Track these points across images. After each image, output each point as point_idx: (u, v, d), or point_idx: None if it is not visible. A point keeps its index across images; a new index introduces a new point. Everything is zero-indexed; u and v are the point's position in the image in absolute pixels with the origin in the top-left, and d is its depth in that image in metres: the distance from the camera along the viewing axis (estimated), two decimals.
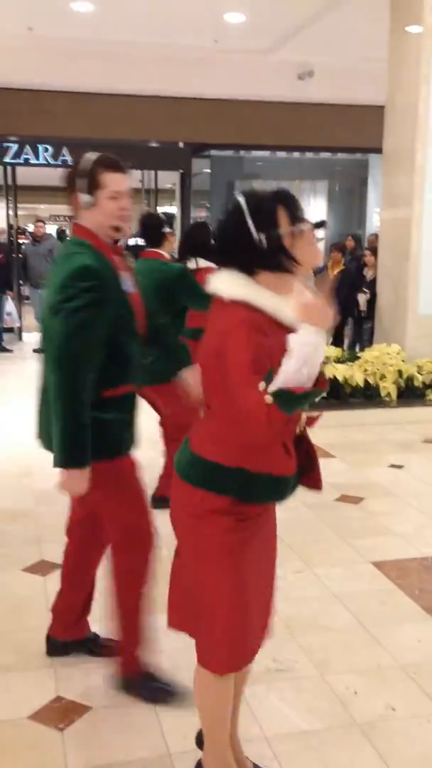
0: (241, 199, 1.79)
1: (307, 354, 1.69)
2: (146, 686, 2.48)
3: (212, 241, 3.31)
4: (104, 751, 2.26)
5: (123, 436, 2.39)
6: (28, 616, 3.07)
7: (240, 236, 1.78)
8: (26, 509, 4.29)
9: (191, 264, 4.35)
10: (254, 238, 1.76)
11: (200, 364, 1.91)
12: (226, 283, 1.81)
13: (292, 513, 4.16)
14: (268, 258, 1.77)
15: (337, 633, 2.96)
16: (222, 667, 1.93)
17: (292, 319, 1.77)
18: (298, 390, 1.67)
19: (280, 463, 1.85)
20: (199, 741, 2.14)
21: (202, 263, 4.31)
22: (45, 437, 2.39)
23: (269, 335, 1.74)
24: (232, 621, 1.89)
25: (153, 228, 4.09)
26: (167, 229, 4.05)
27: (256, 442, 1.78)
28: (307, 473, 1.95)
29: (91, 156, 2.30)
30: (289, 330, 1.75)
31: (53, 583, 3.35)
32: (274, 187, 1.87)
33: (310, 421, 1.93)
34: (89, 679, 2.64)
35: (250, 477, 1.82)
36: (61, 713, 2.43)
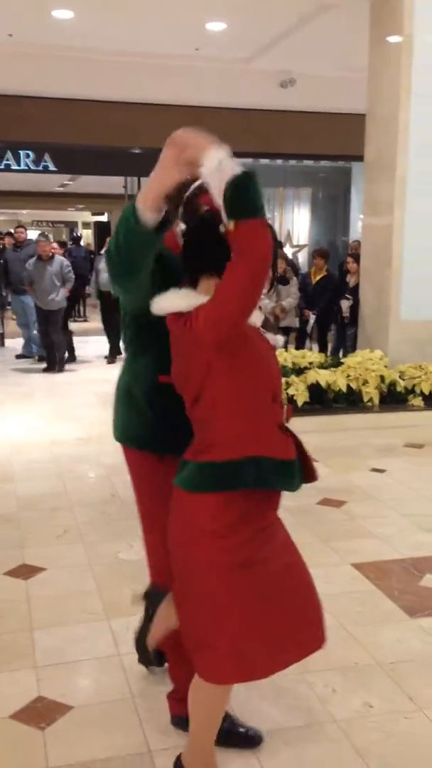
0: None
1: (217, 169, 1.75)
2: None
3: None
4: (85, 748, 2.28)
5: None
6: (10, 619, 3.08)
7: (217, 239, 1.83)
8: (8, 514, 4.30)
9: None
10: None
11: (183, 378, 1.94)
12: (183, 299, 1.88)
13: None
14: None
15: None
16: (229, 676, 1.97)
17: (254, 321, 1.90)
18: None
19: (281, 445, 1.93)
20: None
21: None
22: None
23: None
24: (251, 626, 1.92)
25: None
26: None
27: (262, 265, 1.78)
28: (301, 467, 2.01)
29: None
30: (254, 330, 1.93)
31: (35, 586, 3.38)
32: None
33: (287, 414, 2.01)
34: (71, 679, 2.66)
35: (260, 462, 1.88)
36: (43, 713, 2.45)
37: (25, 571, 3.53)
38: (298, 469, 1.98)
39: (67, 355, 9.57)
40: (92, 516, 4.25)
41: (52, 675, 2.67)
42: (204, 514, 1.90)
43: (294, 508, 4.33)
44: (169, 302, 1.91)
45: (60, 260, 9.35)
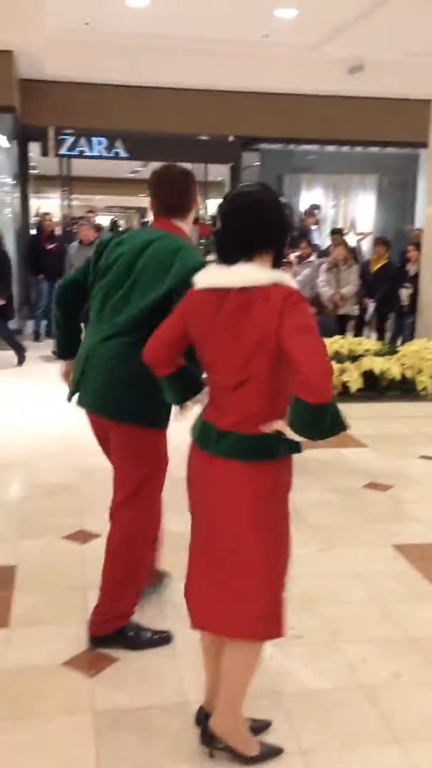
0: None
1: None
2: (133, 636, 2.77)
3: None
4: (130, 696, 2.49)
5: None
6: (66, 577, 3.34)
7: (282, 215, 2.10)
8: (69, 484, 4.57)
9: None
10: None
11: (233, 353, 2.03)
12: (259, 270, 2.01)
13: (321, 497, 4.34)
14: (282, 247, 2.11)
15: (353, 607, 3.13)
16: (273, 632, 2.12)
17: None
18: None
19: None
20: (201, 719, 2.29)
21: None
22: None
23: None
24: (282, 586, 2.11)
25: None
26: None
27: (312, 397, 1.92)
28: None
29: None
30: None
31: (90, 551, 3.62)
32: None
33: None
34: None
35: None
36: (92, 662, 2.68)
37: (82, 536, 3.78)
38: None
39: None
40: None
41: None
42: (256, 478, 2.04)
43: (341, 489, 4.47)
44: (250, 276, 2.00)
45: None
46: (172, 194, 2.69)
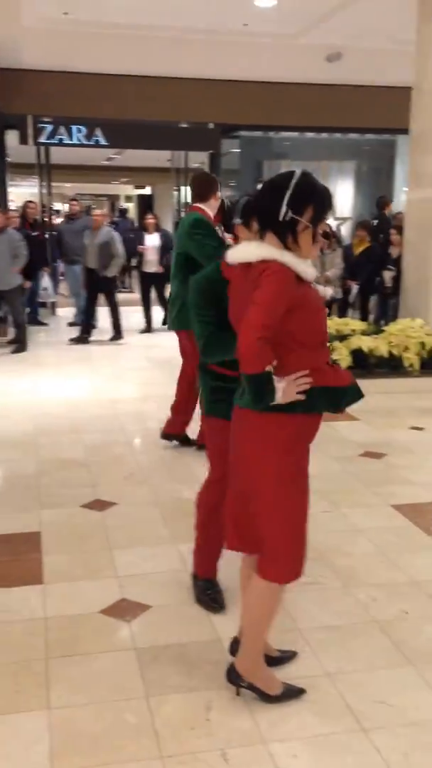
0: (297, 174, 2.20)
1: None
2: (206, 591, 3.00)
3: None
4: (165, 636, 2.74)
5: None
6: (91, 541, 3.56)
7: (274, 199, 2.20)
8: (79, 459, 4.78)
9: None
10: (281, 209, 2.17)
11: (236, 310, 2.28)
12: (256, 248, 2.22)
13: (321, 465, 4.59)
14: (279, 227, 2.20)
15: (360, 558, 3.40)
16: (291, 575, 2.33)
17: (309, 275, 2.21)
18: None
19: (330, 375, 2.27)
20: (234, 649, 2.50)
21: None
22: None
23: (295, 286, 2.17)
24: (303, 533, 2.31)
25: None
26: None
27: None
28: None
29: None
30: (308, 283, 2.22)
31: (110, 517, 3.85)
32: (328, 183, 2.33)
33: None
34: (148, 586, 3.11)
35: (311, 391, 2.21)
36: (127, 609, 2.92)
37: (99, 505, 4.00)
38: (352, 393, 2.34)
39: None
40: (154, 461, 4.69)
41: (131, 583, 3.13)
42: (278, 431, 2.22)
43: (339, 458, 4.74)
44: (243, 254, 2.26)
45: (9, 234, 8.71)
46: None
